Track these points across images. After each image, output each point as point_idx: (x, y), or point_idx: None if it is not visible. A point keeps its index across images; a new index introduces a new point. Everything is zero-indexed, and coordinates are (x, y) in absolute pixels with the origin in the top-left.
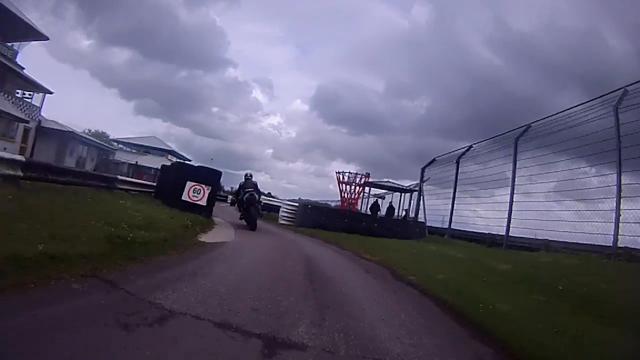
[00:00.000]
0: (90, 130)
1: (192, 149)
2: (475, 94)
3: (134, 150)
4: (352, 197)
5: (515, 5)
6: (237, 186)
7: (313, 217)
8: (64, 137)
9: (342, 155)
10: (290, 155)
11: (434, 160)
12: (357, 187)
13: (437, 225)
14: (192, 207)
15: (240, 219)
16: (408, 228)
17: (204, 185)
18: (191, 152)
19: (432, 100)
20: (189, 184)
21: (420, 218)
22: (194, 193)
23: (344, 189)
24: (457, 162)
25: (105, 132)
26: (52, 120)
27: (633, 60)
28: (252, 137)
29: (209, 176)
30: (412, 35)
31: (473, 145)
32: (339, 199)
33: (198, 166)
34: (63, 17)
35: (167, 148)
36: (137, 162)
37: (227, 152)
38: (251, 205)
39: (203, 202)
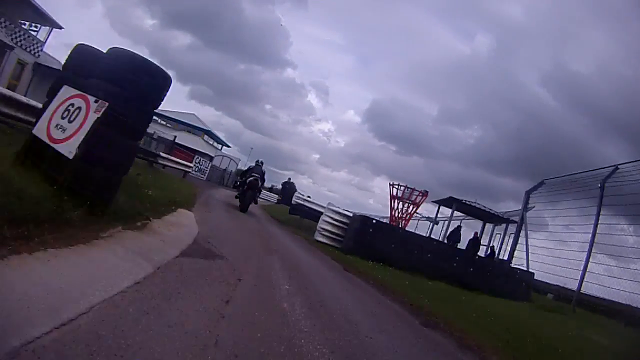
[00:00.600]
0: None
1: (239, 141)
2: (524, 131)
3: (168, 125)
4: (405, 216)
5: (574, 45)
6: (246, 168)
7: (375, 241)
8: None
9: (387, 173)
10: (335, 163)
11: (542, 183)
12: (411, 206)
13: None
14: (42, 161)
15: (236, 197)
16: (513, 280)
17: (90, 98)
18: (238, 144)
19: (482, 131)
20: (64, 91)
21: (514, 262)
22: (63, 118)
23: (395, 205)
24: (602, 187)
25: None
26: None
27: None
28: (301, 140)
29: (119, 74)
30: (471, 63)
31: (619, 167)
32: (389, 215)
33: (110, 51)
34: None
35: (204, 127)
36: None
37: (274, 150)
38: (250, 189)
39: (68, 149)
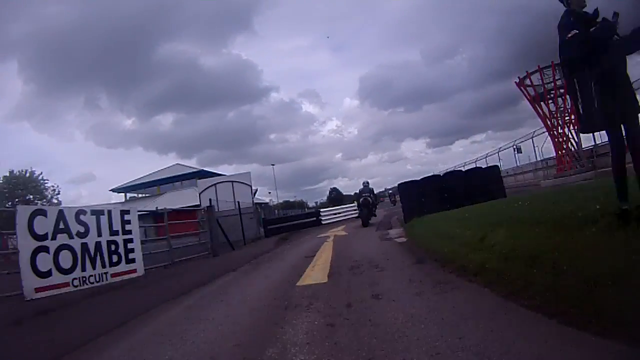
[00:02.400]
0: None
1: (266, 180)
2: (507, 27)
3: (146, 194)
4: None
5: None
6: (358, 191)
7: None
8: None
9: (410, 133)
10: (360, 151)
11: None
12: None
13: None
14: None
15: (358, 217)
16: None
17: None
18: (267, 183)
19: (470, 50)
20: None
21: None
22: None
23: (543, 109)
24: None
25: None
26: None
27: None
28: (318, 148)
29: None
30: None
31: None
32: (546, 132)
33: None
34: (98, 107)
35: (194, 169)
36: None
37: (301, 171)
38: (364, 207)
39: None
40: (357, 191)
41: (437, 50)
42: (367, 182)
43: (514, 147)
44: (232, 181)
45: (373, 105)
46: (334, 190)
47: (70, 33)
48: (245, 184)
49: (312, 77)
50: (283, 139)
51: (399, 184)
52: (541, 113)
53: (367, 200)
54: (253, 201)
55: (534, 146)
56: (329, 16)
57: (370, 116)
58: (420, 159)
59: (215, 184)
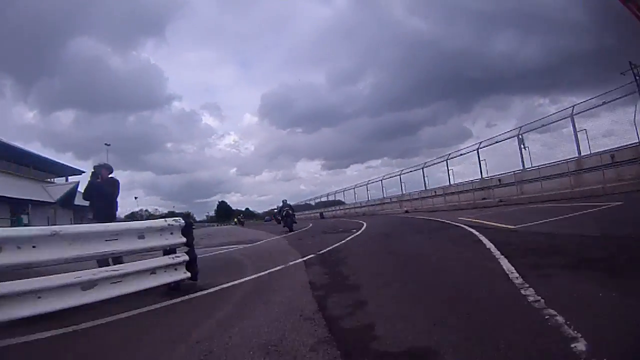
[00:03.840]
0: None
1: (160, 191)
2: (413, 60)
3: None
4: None
5: None
6: (278, 208)
7: None
8: None
9: (305, 154)
10: (254, 168)
11: None
12: None
13: None
14: None
15: (283, 226)
16: None
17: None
18: (160, 192)
19: (373, 78)
20: None
21: None
22: None
23: None
24: None
25: None
26: None
27: None
28: (214, 162)
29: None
30: (338, 21)
31: None
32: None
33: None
34: (3, 94)
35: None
36: None
37: (194, 183)
38: (287, 217)
39: None
40: (278, 207)
41: (341, 75)
42: (286, 200)
43: (518, 136)
44: None
45: (272, 123)
46: (222, 204)
47: None
48: None
49: (215, 90)
50: (179, 149)
51: None
52: None
53: (288, 212)
54: None
55: (575, 128)
56: (239, 32)
57: (268, 134)
58: (314, 179)
59: None
